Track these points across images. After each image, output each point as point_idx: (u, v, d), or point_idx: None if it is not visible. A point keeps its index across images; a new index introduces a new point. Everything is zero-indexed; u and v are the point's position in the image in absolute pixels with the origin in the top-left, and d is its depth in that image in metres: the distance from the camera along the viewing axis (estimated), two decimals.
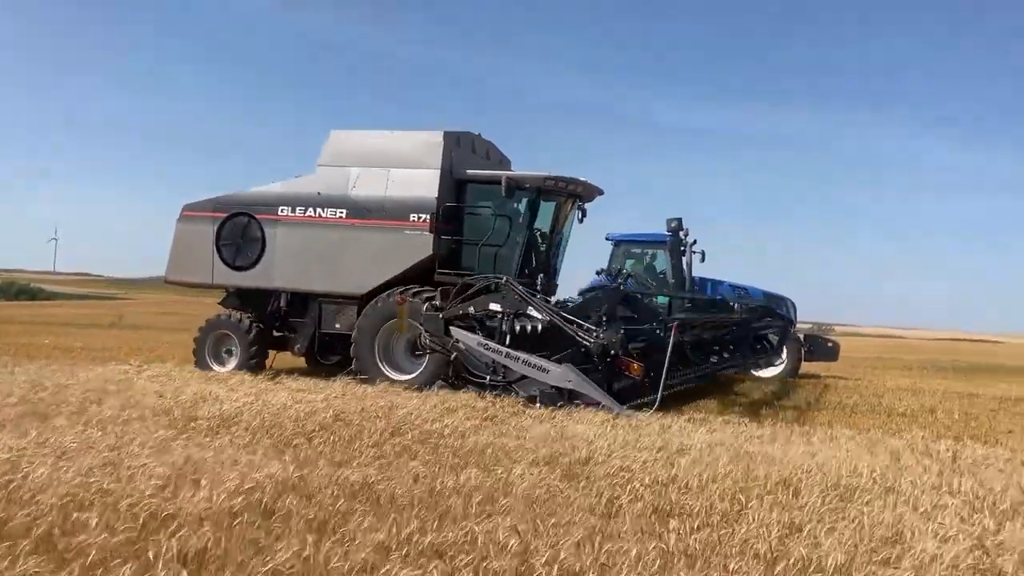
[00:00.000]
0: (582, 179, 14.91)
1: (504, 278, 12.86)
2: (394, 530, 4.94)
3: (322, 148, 15.43)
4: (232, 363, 15.17)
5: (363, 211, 14.86)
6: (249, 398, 10.87)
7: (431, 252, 14.34)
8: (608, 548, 4.80)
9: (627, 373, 11.81)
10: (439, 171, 14.46)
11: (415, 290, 13.82)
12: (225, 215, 15.65)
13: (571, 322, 11.89)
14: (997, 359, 45.17)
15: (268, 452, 7.46)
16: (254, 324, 15.15)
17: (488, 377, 12.10)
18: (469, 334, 12.29)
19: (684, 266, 19.50)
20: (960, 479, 7.49)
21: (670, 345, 12.09)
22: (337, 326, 14.96)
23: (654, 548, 4.81)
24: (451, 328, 12.44)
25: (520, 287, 12.58)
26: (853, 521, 5.73)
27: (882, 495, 6.72)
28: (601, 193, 15.78)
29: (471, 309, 12.59)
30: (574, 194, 15.26)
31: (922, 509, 6.23)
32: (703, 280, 20.90)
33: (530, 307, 12.24)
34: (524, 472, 6.93)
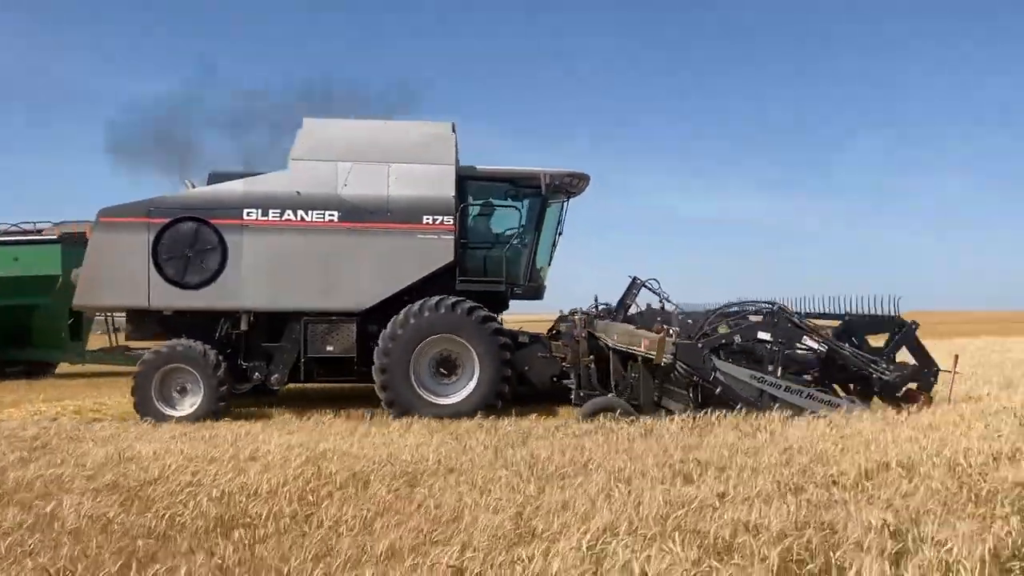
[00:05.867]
0: (583, 172, 13.77)
1: (776, 305, 11.62)
2: None
3: (296, 139, 12.87)
4: (187, 405, 12.25)
5: (362, 213, 12.68)
6: None
7: (452, 258, 12.80)
8: (156, 570, 4.52)
9: (916, 405, 10.76)
10: (454, 167, 12.89)
11: (453, 300, 12.38)
12: (166, 221, 12.49)
13: (857, 355, 11.25)
14: None
15: None
16: (218, 355, 12.33)
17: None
18: (737, 368, 10.88)
19: None
20: (513, 450, 8.23)
21: None
22: (330, 348, 12.71)
23: (206, 564, 4.63)
24: (716, 361, 10.90)
25: (795, 315, 11.47)
26: (418, 506, 5.99)
27: (444, 476, 7.15)
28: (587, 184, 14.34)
29: (737, 339, 11.22)
30: (572, 189, 13.98)
31: (479, 484, 6.71)
32: None
33: (805, 336, 11.23)
34: (78, 503, 6.29)
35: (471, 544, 4.88)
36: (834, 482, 6.66)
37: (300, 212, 12.64)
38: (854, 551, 4.55)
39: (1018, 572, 4.34)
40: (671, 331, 10.97)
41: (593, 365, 12.36)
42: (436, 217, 12.76)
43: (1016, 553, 4.64)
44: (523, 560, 4.44)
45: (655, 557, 4.39)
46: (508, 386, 12.56)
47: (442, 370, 12.55)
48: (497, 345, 12.50)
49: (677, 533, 4.96)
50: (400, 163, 12.85)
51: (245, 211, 12.61)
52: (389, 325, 12.43)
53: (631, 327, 12.30)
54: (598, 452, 8.08)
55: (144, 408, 12.11)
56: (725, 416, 10.32)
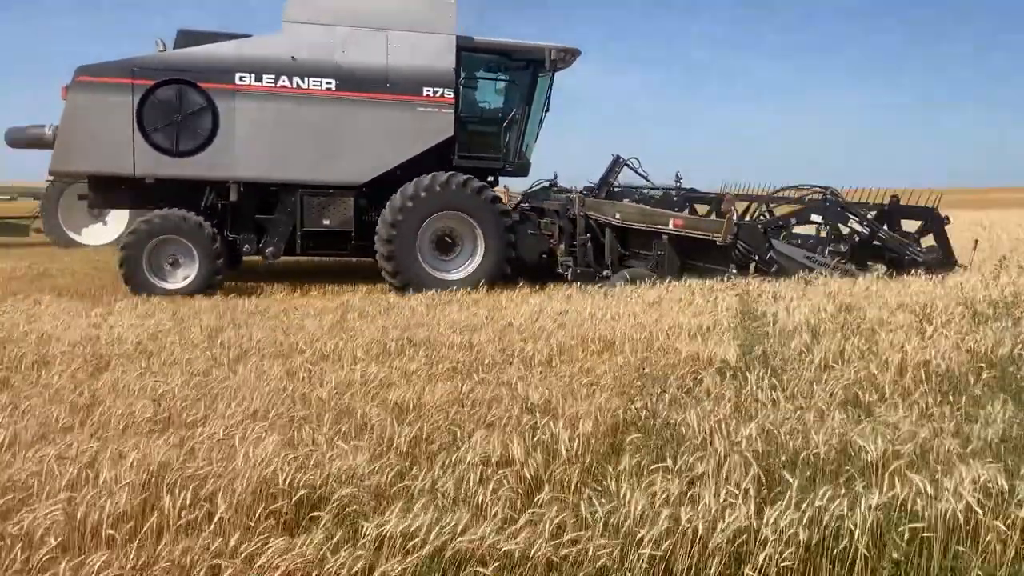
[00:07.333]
0: (576, 48, 13.52)
1: (829, 189, 12.25)
2: None
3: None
4: (180, 277, 11.84)
5: (360, 82, 12.16)
6: None
7: (451, 133, 12.59)
8: None
9: None
10: (455, 37, 12.42)
11: (463, 178, 12.44)
12: (152, 83, 11.63)
13: (893, 239, 12.17)
14: None
15: None
16: (213, 226, 11.90)
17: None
18: (793, 248, 11.76)
19: None
20: (231, 332, 7.99)
21: None
22: (326, 222, 12.37)
23: None
24: (772, 241, 11.74)
25: (842, 199, 12.18)
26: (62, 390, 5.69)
27: (140, 359, 6.83)
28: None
29: (793, 220, 12.20)
30: (562, 64, 13.56)
31: (161, 369, 6.45)
32: None
33: (851, 220, 11.96)
34: None
35: (100, 434, 4.66)
36: (532, 359, 6.82)
37: (296, 79, 12.06)
38: (489, 429, 4.64)
39: (631, 442, 4.53)
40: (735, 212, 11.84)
41: (590, 243, 12.88)
42: (436, 89, 12.46)
43: (636, 423, 4.89)
44: (139, 449, 4.24)
45: (274, 442, 4.30)
46: (509, 264, 12.69)
47: (440, 247, 12.55)
48: (503, 224, 12.64)
49: (327, 415, 4.92)
50: (400, 31, 12.35)
51: (237, 75, 11.92)
52: (396, 198, 12.21)
53: (644, 207, 13.02)
54: (318, 332, 7.95)
55: (134, 280, 11.59)
56: (469, 293, 10.56)
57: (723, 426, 4.72)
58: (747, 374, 5.98)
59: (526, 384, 5.66)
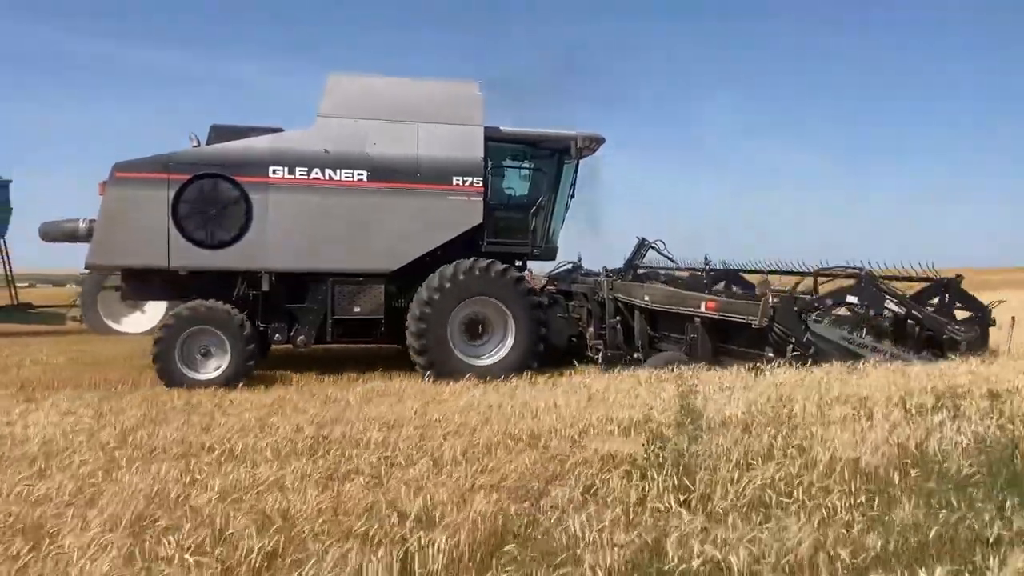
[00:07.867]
0: (601, 136, 13.76)
1: (864, 270, 12.22)
2: None
3: (323, 96, 12.40)
4: (212, 368, 11.72)
5: (391, 173, 12.37)
6: None
7: (481, 220, 12.72)
8: None
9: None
10: (482, 128, 12.72)
11: (486, 263, 12.46)
12: (187, 177, 11.75)
13: (931, 318, 12.15)
14: None
15: None
16: (244, 316, 11.86)
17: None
18: (831, 329, 11.58)
19: None
20: (149, 429, 7.74)
21: None
22: (356, 310, 12.48)
23: None
24: (809, 323, 11.55)
25: (878, 279, 12.16)
26: None
27: (42, 459, 6.59)
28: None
29: (828, 302, 12.06)
30: (588, 152, 13.83)
31: (52, 470, 6.21)
32: None
33: (888, 300, 11.98)
34: None
35: None
36: (442, 457, 6.56)
37: (328, 171, 12.25)
38: (357, 541, 4.40)
39: (507, 553, 4.29)
40: (771, 296, 11.67)
41: (619, 326, 12.98)
42: (466, 179, 12.66)
43: (517, 533, 4.64)
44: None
45: (116, 558, 4.06)
46: (543, 347, 12.67)
47: (469, 332, 12.56)
48: (532, 308, 12.67)
49: (187, 524, 4.66)
50: (429, 123, 12.65)
51: (271, 168, 12.09)
52: (423, 290, 12.31)
53: (674, 289, 13.10)
54: (234, 430, 7.68)
55: (167, 372, 11.50)
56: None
57: (603, 536, 4.48)
58: (656, 474, 5.74)
59: (414, 488, 5.42)
